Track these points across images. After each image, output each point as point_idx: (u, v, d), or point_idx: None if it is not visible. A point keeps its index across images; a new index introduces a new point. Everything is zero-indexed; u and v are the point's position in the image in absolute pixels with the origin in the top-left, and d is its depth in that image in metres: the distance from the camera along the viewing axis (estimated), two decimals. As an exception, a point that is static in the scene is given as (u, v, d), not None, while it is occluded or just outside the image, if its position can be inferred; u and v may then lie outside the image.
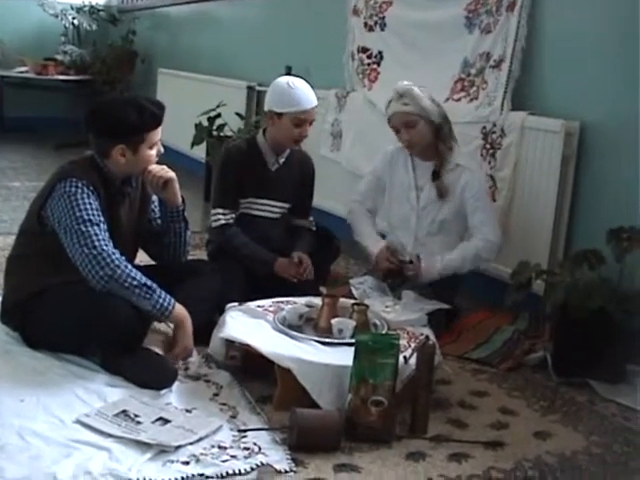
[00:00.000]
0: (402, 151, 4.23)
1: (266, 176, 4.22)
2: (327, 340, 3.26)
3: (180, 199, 3.59)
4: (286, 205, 4.33)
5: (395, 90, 4.04)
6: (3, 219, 5.74)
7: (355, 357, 2.92)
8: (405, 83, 4.05)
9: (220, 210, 4.16)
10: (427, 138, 4.05)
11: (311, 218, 4.46)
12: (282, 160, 4.25)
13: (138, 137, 3.37)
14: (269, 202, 4.26)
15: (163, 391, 3.15)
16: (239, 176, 4.16)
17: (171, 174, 3.49)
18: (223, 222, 4.14)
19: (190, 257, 3.94)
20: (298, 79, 4.19)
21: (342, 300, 3.55)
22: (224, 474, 2.60)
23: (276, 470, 2.66)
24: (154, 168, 3.45)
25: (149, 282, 3.24)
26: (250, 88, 7.01)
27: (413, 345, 3.24)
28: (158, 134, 3.44)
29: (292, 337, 3.28)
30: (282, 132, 4.12)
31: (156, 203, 3.68)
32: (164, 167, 3.48)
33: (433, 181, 4.09)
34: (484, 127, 4.48)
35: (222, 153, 4.35)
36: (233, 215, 4.17)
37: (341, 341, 3.26)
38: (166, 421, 2.87)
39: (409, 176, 4.18)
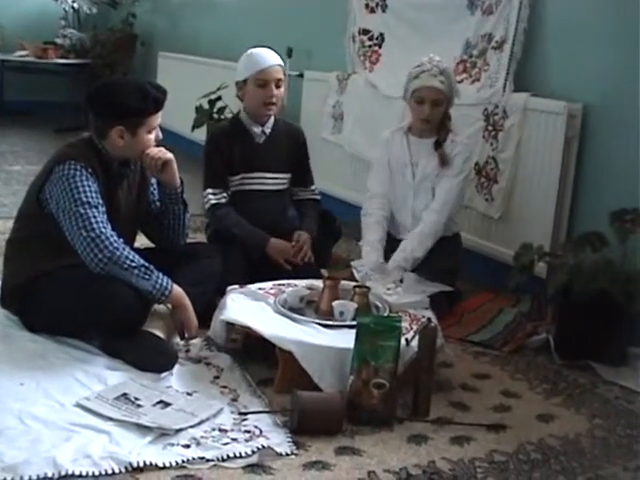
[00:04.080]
0: (397, 132, 4.26)
1: (254, 149, 4.21)
2: (328, 322, 3.25)
3: (178, 181, 3.58)
4: (280, 175, 4.30)
5: (434, 64, 4.01)
6: (3, 203, 5.72)
7: (357, 339, 2.91)
8: (438, 59, 4.04)
9: (210, 190, 4.16)
10: (440, 117, 4.08)
11: (313, 187, 4.46)
12: (268, 131, 4.24)
13: (138, 120, 3.36)
14: (261, 174, 4.24)
15: (163, 374, 3.14)
16: (226, 154, 4.17)
17: (169, 155, 3.47)
18: (214, 202, 4.14)
19: (190, 240, 3.93)
20: (260, 48, 4.20)
21: (343, 282, 3.53)
22: (225, 457, 2.59)
23: (277, 453, 2.65)
24: (152, 150, 3.43)
25: (147, 264, 3.24)
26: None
27: (415, 327, 3.22)
28: (158, 119, 3.44)
29: (293, 320, 3.27)
30: (250, 98, 4.14)
31: (155, 186, 3.66)
32: (162, 149, 3.47)
33: (435, 150, 4.09)
34: (486, 109, 4.46)
35: (207, 136, 4.34)
36: (224, 195, 4.16)
37: (342, 323, 3.24)
38: (166, 404, 2.86)
39: (404, 154, 4.19)
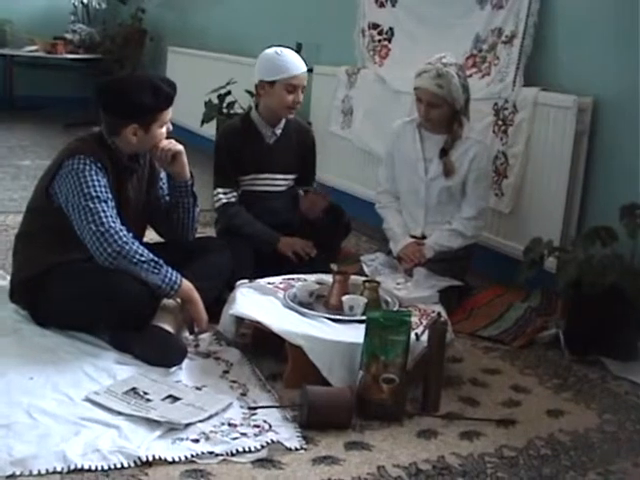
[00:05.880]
0: (409, 124, 4.23)
1: (264, 150, 4.19)
2: (338, 317, 3.25)
3: (188, 173, 3.57)
4: (289, 176, 4.30)
5: (436, 67, 3.94)
6: (13, 198, 5.73)
7: (366, 334, 2.91)
8: (445, 60, 3.97)
9: (220, 190, 4.16)
10: (444, 118, 4.03)
11: (315, 185, 4.46)
12: (279, 132, 4.22)
13: (151, 117, 3.36)
14: (271, 176, 4.23)
15: (173, 369, 3.14)
16: (236, 155, 4.15)
17: (179, 147, 3.47)
18: (224, 201, 4.14)
19: (199, 235, 3.93)
20: (285, 48, 4.16)
21: (353, 277, 3.53)
22: (234, 452, 2.59)
23: (286, 448, 2.65)
24: (162, 142, 3.43)
25: (156, 258, 3.24)
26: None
27: (425, 322, 3.22)
28: (169, 113, 3.43)
29: (302, 314, 3.27)
30: (276, 100, 4.09)
31: (164, 180, 3.66)
32: (172, 141, 3.47)
33: (440, 158, 4.06)
34: (496, 103, 4.45)
35: (218, 134, 4.32)
36: (234, 194, 4.16)
37: (352, 318, 3.24)
38: (176, 399, 2.86)
39: (417, 148, 4.15)
